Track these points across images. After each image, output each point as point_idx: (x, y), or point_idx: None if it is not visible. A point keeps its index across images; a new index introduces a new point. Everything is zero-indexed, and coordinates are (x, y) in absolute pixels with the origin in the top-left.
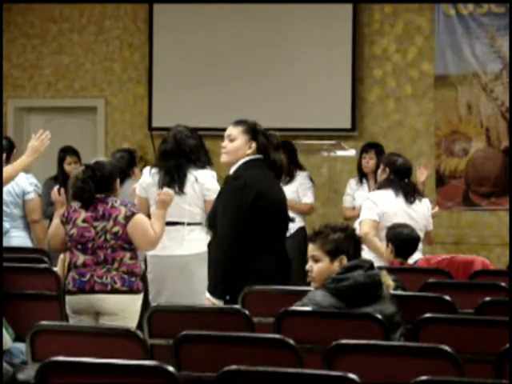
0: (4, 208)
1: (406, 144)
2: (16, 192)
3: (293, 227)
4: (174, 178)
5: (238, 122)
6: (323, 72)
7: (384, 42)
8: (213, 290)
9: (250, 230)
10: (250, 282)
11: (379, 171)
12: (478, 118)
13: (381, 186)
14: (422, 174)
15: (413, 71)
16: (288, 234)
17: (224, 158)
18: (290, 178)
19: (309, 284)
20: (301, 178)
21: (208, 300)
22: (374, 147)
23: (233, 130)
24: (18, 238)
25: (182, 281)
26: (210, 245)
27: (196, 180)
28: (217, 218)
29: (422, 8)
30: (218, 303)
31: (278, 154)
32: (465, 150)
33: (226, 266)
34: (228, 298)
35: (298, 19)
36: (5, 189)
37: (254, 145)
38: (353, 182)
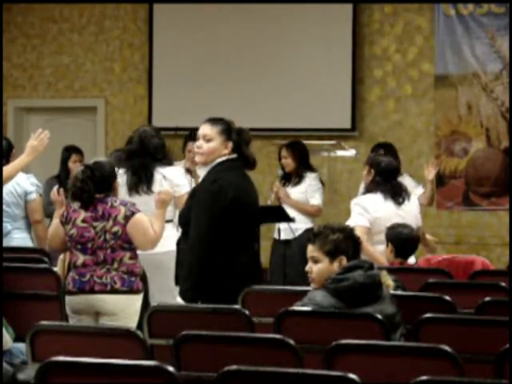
0: (6, 208)
1: (406, 144)
2: (18, 192)
3: (299, 228)
4: (141, 178)
5: (214, 122)
6: (323, 72)
7: (384, 42)
8: (183, 294)
9: (227, 232)
10: (228, 284)
11: (364, 172)
12: (477, 118)
13: (369, 189)
14: (430, 173)
15: (413, 71)
16: (293, 236)
17: (199, 159)
18: (299, 179)
19: (309, 284)
20: (310, 179)
21: None
22: (384, 147)
23: (208, 130)
24: (19, 239)
25: (155, 279)
26: (178, 243)
27: (164, 177)
28: (190, 218)
29: (421, 8)
30: None
31: (249, 149)
32: (465, 150)
33: (199, 270)
34: (200, 302)
35: (298, 19)
36: (6, 189)
37: (230, 145)
38: None
